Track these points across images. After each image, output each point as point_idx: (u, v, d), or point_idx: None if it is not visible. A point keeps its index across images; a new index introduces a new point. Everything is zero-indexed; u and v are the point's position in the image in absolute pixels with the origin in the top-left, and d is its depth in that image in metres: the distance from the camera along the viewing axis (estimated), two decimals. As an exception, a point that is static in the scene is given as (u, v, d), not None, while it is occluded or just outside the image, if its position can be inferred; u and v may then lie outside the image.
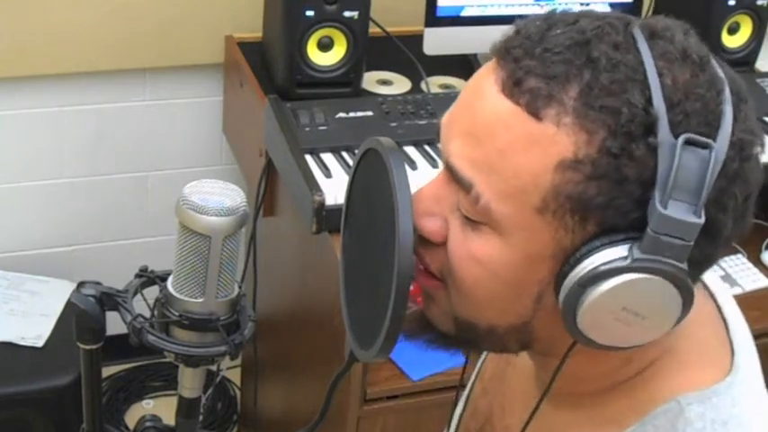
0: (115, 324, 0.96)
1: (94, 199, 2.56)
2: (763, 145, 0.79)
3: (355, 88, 2.03)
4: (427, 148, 1.93)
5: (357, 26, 1.97)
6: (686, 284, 0.74)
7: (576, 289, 0.75)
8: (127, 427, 2.57)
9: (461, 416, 1.11)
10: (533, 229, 0.76)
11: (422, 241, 0.82)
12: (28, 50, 2.29)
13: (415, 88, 2.13)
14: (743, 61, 2.27)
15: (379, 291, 0.81)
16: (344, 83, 2.01)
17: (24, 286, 2.42)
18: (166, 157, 2.57)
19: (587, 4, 2.23)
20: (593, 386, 0.87)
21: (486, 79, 0.78)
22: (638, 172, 0.73)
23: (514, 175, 0.75)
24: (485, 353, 1.10)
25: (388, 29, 2.20)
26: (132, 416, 2.65)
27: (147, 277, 0.94)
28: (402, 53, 2.15)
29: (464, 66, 2.19)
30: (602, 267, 0.74)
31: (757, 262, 2.28)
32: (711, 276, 0.90)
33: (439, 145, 0.82)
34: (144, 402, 2.72)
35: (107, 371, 2.68)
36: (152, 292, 0.93)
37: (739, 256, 2.27)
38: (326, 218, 1.75)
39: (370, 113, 1.98)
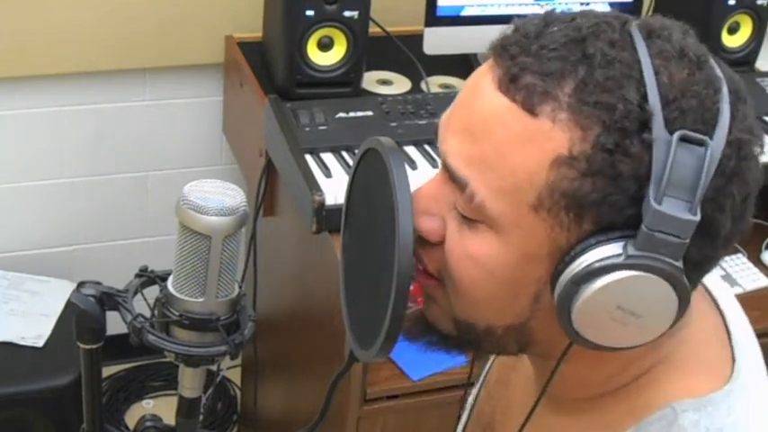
0: (115, 324, 0.96)
1: (94, 199, 2.56)
2: (762, 145, 0.78)
3: (355, 88, 2.03)
4: (427, 147, 1.93)
5: (357, 26, 1.97)
6: (682, 283, 0.73)
7: (571, 286, 0.74)
8: (127, 427, 2.57)
9: (466, 422, 1.11)
10: (529, 227, 0.76)
11: (419, 241, 0.81)
12: (28, 50, 2.29)
13: (415, 88, 2.13)
14: (743, 61, 2.27)
15: (379, 291, 0.81)
16: (344, 83, 2.01)
17: (24, 286, 2.42)
18: (166, 157, 2.57)
19: (587, 4, 2.23)
20: (591, 392, 0.86)
21: (484, 77, 0.78)
22: (633, 168, 0.72)
23: (510, 173, 0.75)
24: (491, 359, 1.09)
25: (388, 29, 2.20)
26: (132, 416, 2.65)
27: (148, 277, 0.94)
28: (402, 53, 2.15)
29: (464, 65, 2.19)
30: (596, 264, 0.73)
31: (757, 262, 2.28)
32: (714, 280, 0.90)
33: (438, 144, 0.82)
34: (144, 402, 2.72)
35: (107, 371, 2.68)
36: (152, 292, 0.93)
37: (739, 255, 2.27)
38: (326, 218, 1.75)
39: (370, 113, 1.98)
